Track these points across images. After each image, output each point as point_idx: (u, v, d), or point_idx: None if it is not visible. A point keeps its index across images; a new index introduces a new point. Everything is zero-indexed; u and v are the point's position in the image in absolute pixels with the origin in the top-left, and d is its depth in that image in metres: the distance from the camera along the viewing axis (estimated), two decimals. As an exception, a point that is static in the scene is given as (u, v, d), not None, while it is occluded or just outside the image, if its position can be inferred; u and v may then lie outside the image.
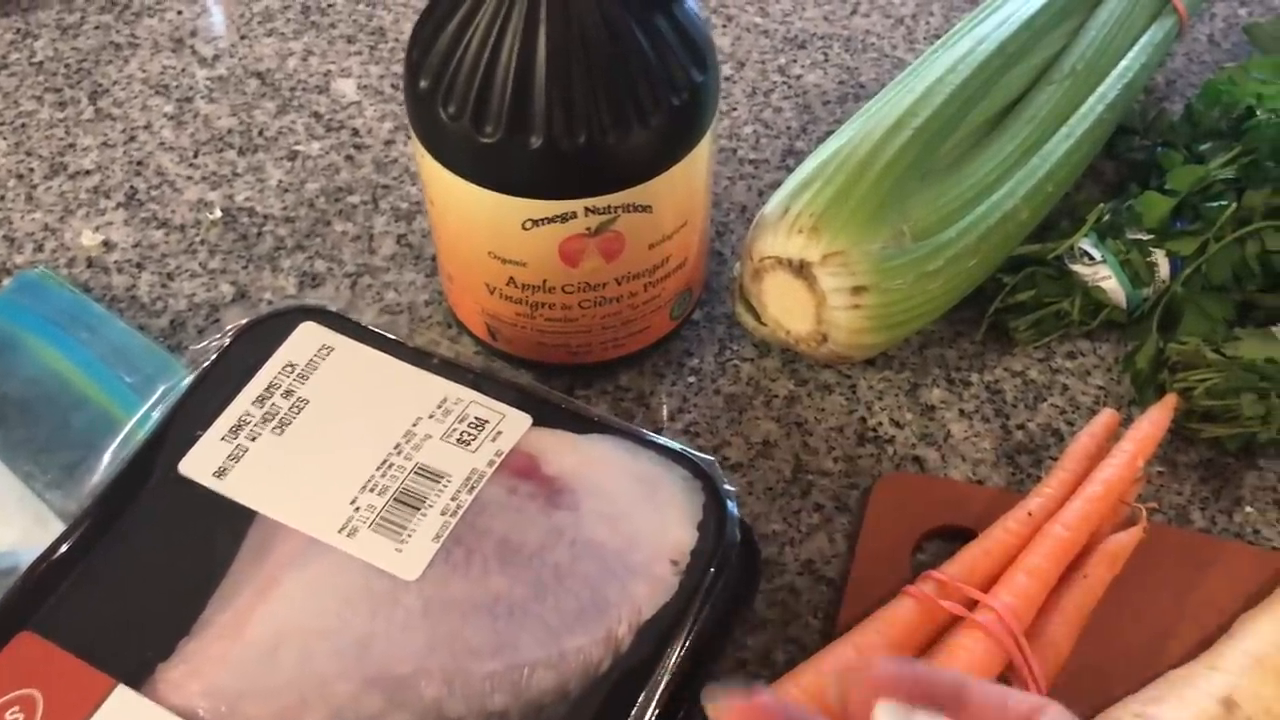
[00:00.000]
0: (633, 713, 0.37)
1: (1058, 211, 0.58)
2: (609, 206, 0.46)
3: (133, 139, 0.65)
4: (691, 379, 0.56)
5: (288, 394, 0.44)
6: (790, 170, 0.57)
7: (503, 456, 0.42)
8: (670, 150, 0.47)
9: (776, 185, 0.57)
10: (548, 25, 0.43)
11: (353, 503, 0.41)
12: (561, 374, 0.55)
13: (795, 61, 0.69)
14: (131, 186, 0.63)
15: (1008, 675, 0.42)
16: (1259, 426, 0.51)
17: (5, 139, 0.64)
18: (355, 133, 0.65)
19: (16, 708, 0.37)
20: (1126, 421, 0.51)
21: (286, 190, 0.62)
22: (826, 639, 0.46)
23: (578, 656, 0.38)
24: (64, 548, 0.41)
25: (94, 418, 0.49)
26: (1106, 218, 0.56)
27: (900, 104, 0.53)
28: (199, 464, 0.43)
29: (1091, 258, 0.55)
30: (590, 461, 0.42)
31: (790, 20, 0.71)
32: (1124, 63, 0.59)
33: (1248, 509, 0.52)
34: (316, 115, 0.66)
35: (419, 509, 0.41)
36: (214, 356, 0.45)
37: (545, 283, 0.49)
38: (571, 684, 0.38)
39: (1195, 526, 0.51)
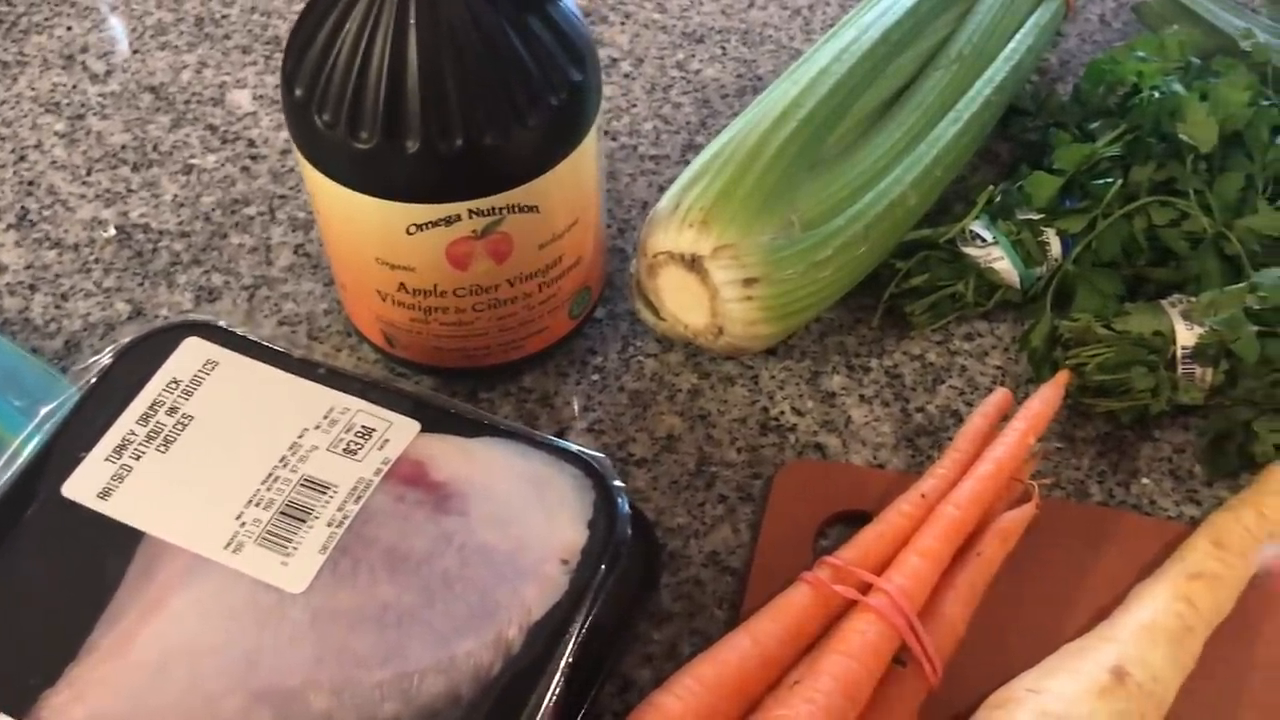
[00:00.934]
0: (525, 712, 0.37)
1: (952, 195, 0.58)
2: (493, 208, 0.46)
3: (23, 159, 0.64)
4: (595, 377, 0.56)
5: (172, 411, 0.44)
6: (689, 165, 0.57)
7: (390, 465, 0.42)
8: (552, 149, 0.47)
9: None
10: (417, 29, 0.42)
11: (238, 518, 0.41)
12: (463, 378, 0.55)
13: (694, 56, 0.69)
14: (23, 207, 0.62)
15: (902, 655, 0.43)
16: (1150, 399, 0.51)
17: (-109, 164, 0.63)
18: (251, 144, 0.64)
19: (-106, 743, 0.36)
20: (1023, 400, 0.52)
21: (182, 205, 0.62)
22: (731, 629, 0.46)
23: (468, 660, 0.38)
24: (-56, 577, 0.40)
25: (-18, 444, 0.49)
26: (998, 199, 0.57)
27: (786, 96, 0.53)
28: (83, 485, 0.42)
29: (983, 239, 0.56)
30: (479, 465, 0.42)
31: (688, 15, 0.71)
32: (1010, 46, 0.60)
33: (1144, 480, 0.52)
34: (212, 128, 0.65)
35: (305, 521, 0.40)
36: (97, 376, 0.45)
37: (436, 287, 0.49)
38: (463, 688, 0.38)
39: (1094, 500, 0.52)
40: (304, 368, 0.45)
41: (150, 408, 0.44)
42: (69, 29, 0.70)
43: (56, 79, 0.67)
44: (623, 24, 0.70)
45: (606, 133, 0.65)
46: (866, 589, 0.44)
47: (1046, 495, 0.50)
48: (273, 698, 0.37)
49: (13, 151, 0.64)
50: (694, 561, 0.50)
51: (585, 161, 0.49)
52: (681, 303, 0.52)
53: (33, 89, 0.67)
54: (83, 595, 0.40)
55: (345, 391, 0.44)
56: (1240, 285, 0.51)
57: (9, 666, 0.38)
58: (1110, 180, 0.55)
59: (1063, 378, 0.51)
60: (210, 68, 0.68)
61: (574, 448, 0.43)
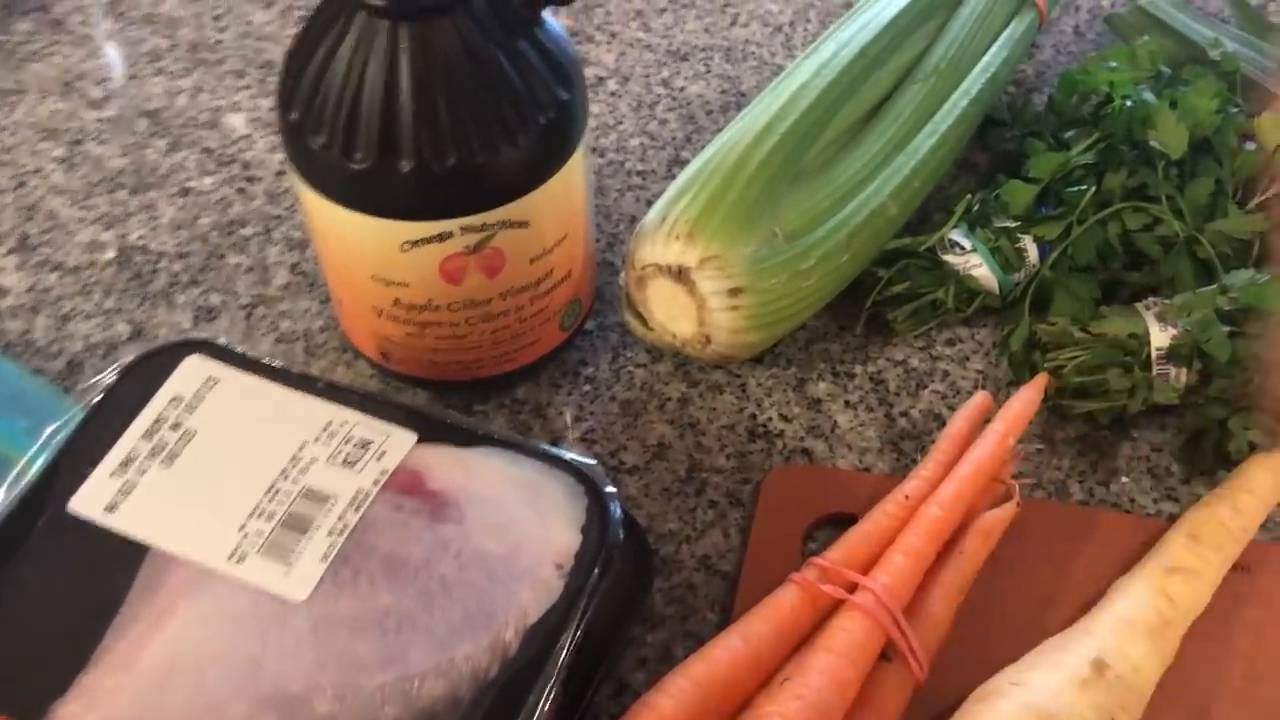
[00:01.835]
0: (522, 714, 0.39)
1: (932, 204, 0.60)
2: (485, 224, 0.47)
3: (22, 185, 0.65)
4: (587, 387, 0.57)
5: (175, 427, 0.45)
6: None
7: (388, 475, 0.43)
8: (541, 167, 0.48)
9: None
10: (409, 53, 0.44)
11: (241, 529, 0.42)
12: (458, 391, 0.56)
13: (678, 74, 0.70)
14: (23, 232, 0.63)
15: (889, 652, 0.44)
16: (1127, 399, 0.53)
17: (-107, 191, 0.65)
18: (246, 166, 0.66)
19: (-90, 753, 0.37)
20: (1005, 402, 0.53)
21: (180, 227, 0.63)
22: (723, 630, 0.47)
23: (466, 664, 0.39)
24: (-45, 592, 0.41)
25: (-11, 463, 0.50)
26: (975, 208, 0.58)
27: (768, 111, 0.54)
28: (89, 501, 0.43)
29: (962, 247, 0.57)
30: (474, 474, 0.43)
31: (672, 34, 0.72)
32: (986, 59, 0.61)
33: (1123, 479, 0.54)
34: (208, 151, 0.66)
35: (306, 531, 0.42)
36: (101, 394, 0.46)
37: (430, 302, 0.50)
38: (462, 691, 0.39)
39: (1074, 499, 0.53)
40: (303, 383, 0.46)
41: (154, 424, 0.45)
42: (66, 57, 0.71)
43: (54, 105, 0.69)
44: (609, 43, 0.72)
45: (594, 149, 0.66)
46: (853, 588, 0.45)
47: (1028, 495, 0.51)
48: (277, 703, 0.38)
49: (13, 178, 0.65)
50: (686, 566, 0.51)
51: (573, 177, 0.50)
52: (669, 313, 0.53)
53: (31, 116, 0.68)
54: (91, 607, 0.41)
55: (343, 405, 0.45)
56: (1211, 287, 0.53)
57: (21, 677, 0.39)
58: (1084, 187, 0.57)
59: (1041, 380, 0.52)
60: (205, 92, 0.69)
61: (566, 455, 0.44)
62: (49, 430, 0.46)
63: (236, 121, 0.68)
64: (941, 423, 0.55)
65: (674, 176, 0.65)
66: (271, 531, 0.42)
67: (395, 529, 0.42)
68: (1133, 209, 0.56)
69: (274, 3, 0.74)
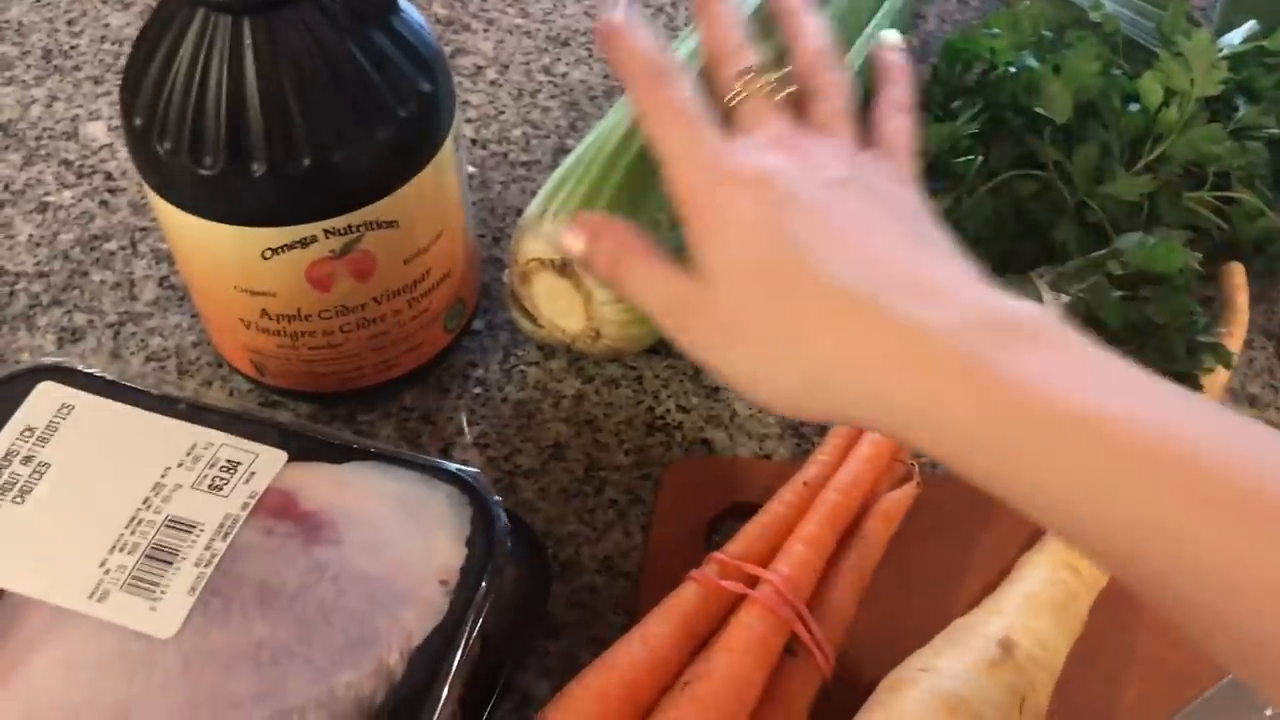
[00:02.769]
0: (411, 740, 0.37)
1: (822, 182, 0.59)
2: (350, 226, 0.45)
3: None
4: (478, 390, 0.55)
5: (27, 460, 0.42)
6: (558, 169, 0.57)
7: (257, 498, 0.41)
8: (406, 162, 0.46)
9: (547, 185, 0.57)
10: (254, 49, 0.41)
11: (102, 565, 0.39)
12: (342, 401, 0.54)
13: (559, 60, 0.68)
14: None
15: (793, 645, 0.43)
16: (1024, 370, 0.52)
17: None
18: (109, 176, 0.62)
19: None
20: (901, 380, 0.52)
21: (38, 244, 0.60)
22: (628, 634, 0.46)
23: (349, 692, 0.37)
24: None
25: None
26: (865, 184, 0.57)
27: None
28: (-65, 546, 0.40)
29: (854, 224, 0.56)
30: (350, 491, 0.41)
31: (551, 19, 0.70)
32: (867, 31, 0.60)
33: (1025, 450, 0.53)
34: (66, 163, 0.63)
35: (172, 563, 0.39)
36: (-55, 430, 0.43)
37: (300, 311, 0.48)
38: (346, 720, 0.37)
39: (977, 474, 0.52)
40: (164, 404, 0.43)
41: (3, 458, 0.42)
42: (-92, 69, 0.67)
43: (-103, 122, 0.65)
44: (485, 30, 0.70)
45: (475, 141, 0.64)
46: (754, 582, 0.44)
47: (930, 472, 0.50)
48: (147, 749, 0.36)
49: None
50: (587, 569, 0.49)
51: (444, 172, 0.48)
52: (557, 308, 0.52)
53: (-128, 134, 0.64)
54: (-60, 660, 0.38)
55: (208, 426, 0.43)
56: (1101, 252, 0.52)
57: None
58: (971, 158, 0.56)
59: (938, 356, 0.51)
60: (61, 101, 0.66)
61: (449, 465, 0.42)
62: (-111, 472, 0.42)
63: (96, 130, 0.64)
64: (841, 404, 0.54)
65: (559, 166, 0.63)
66: (135, 565, 0.39)
67: (267, 555, 0.39)
68: (1021, 177, 0.55)
69: (132, 4, 0.71)
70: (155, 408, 0.43)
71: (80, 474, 0.42)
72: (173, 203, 0.45)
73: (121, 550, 0.40)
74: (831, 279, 0.37)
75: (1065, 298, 0.51)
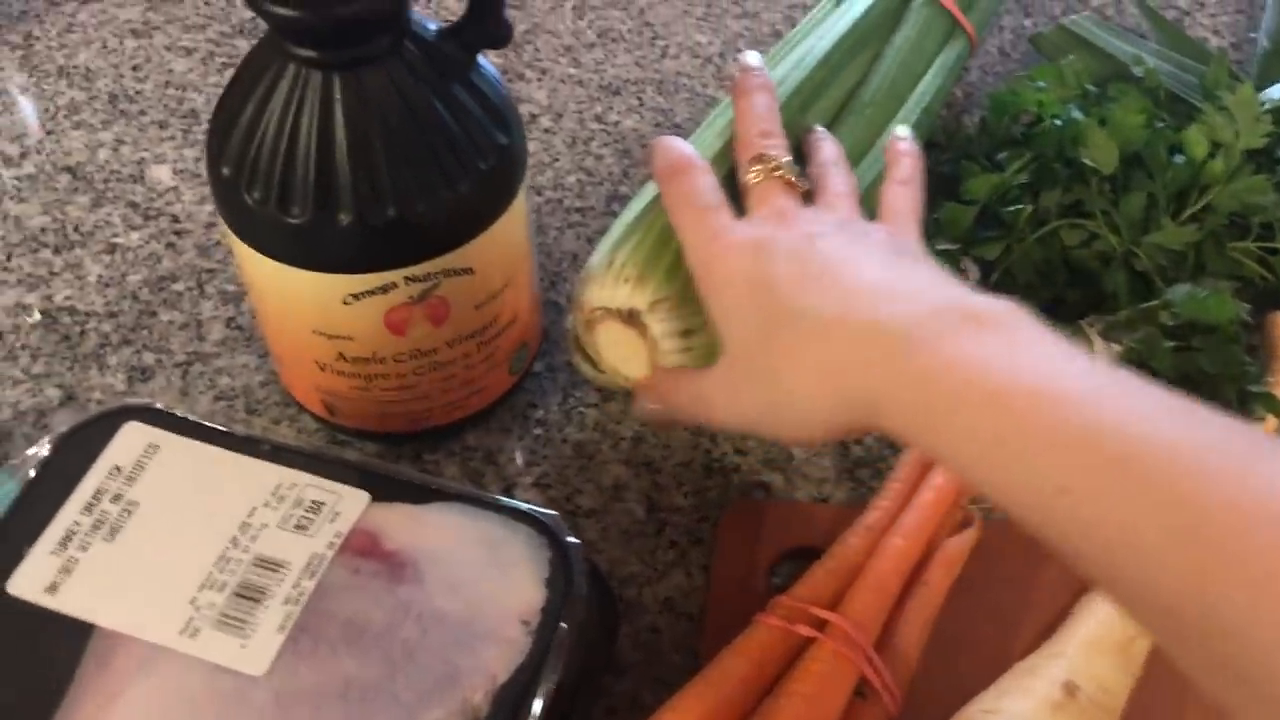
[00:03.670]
0: (496, 778, 0.37)
1: (874, 230, 0.60)
2: (428, 274, 0.46)
3: (-61, 248, 0.63)
4: (539, 431, 0.56)
5: (116, 498, 0.43)
6: (615, 215, 0.58)
7: (342, 538, 0.42)
8: (483, 213, 0.47)
9: (604, 231, 0.58)
10: (344, 104, 0.43)
11: (192, 602, 0.40)
12: (407, 441, 0.55)
13: (611, 109, 0.70)
14: (-58, 298, 0.60)
15: (863, 688, 0.44)
16: (1076, 416, 0.53)
17: None
18: (175, 219, 0.64)
19: None
20: (955, 425, 0.53)
21: (108, 285, 0.61)
22: (692, 675, 0.46)
23: (435, 729, 0.38)
24: (-112, 688, 0.39)
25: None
26: (917, 232, 0.58)
27: (709, 147, 0.54)
28: (29, 581, 0.41)
29: (907, 272, 0.57)
30: (431, 532, 0.42)
31: (603, 69, 0.72)
32: (921, 87, 0.61)
33: (1076, 495, 0.54)
34: (133, 205, 0.65)
35: (261, 601, 0.40)
36: (36, 468, 0.44)
37: (376, 354, 0.49)
38: (432, 758, 0.38)
39: (1030, 518, 0.53)
40: (248, 445, 0.45)
41: (93, 497, 0.43)
42: (-22, 113, 0.69)
43: (-32, 165, 0.66)
44: (539, 80, 0.71)
45: (531, 187, 0.66)
46: (822, 625, 0.44)
47: (986, 518, 0.51)
48: (240, 784, 0.37)
49: (-72, 241, 0.63)
50: (650, 609, 0.50)
51: (516, 221, 0.49)
52: (620, 355, 0.53)
53: (-55, 176, 0.66)
54: (36, 693, 0.39)
55: (292, 466, 0.44)
56: (1153, 303, 0.53)
57: (-37, 774, 0.37)
58: (1021, 206, 0.57)
59: (993, 402, 0.53)
60: (128, 144, 0.68)
61: (525, 506, 0.43)
62: (-19, 509, 0.44)
63: (162, 173, 0.66)
64: (895, 450, 0.55)
65: (613, 212, 0.65)
66: (224, 603, 0.40)
67: (353, 594, 0.41)
68: (1069, 225, 0.57)
69: (194, 51, 0.73)
70: (239, 448, 0.45)
71: (168, 512, 0.43)
72: (257, 249, 0.46)
73: (211, 588, 0.41)
74: (806, 309, 0.41)
75: (1117, 346, 0.53)
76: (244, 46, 0.73)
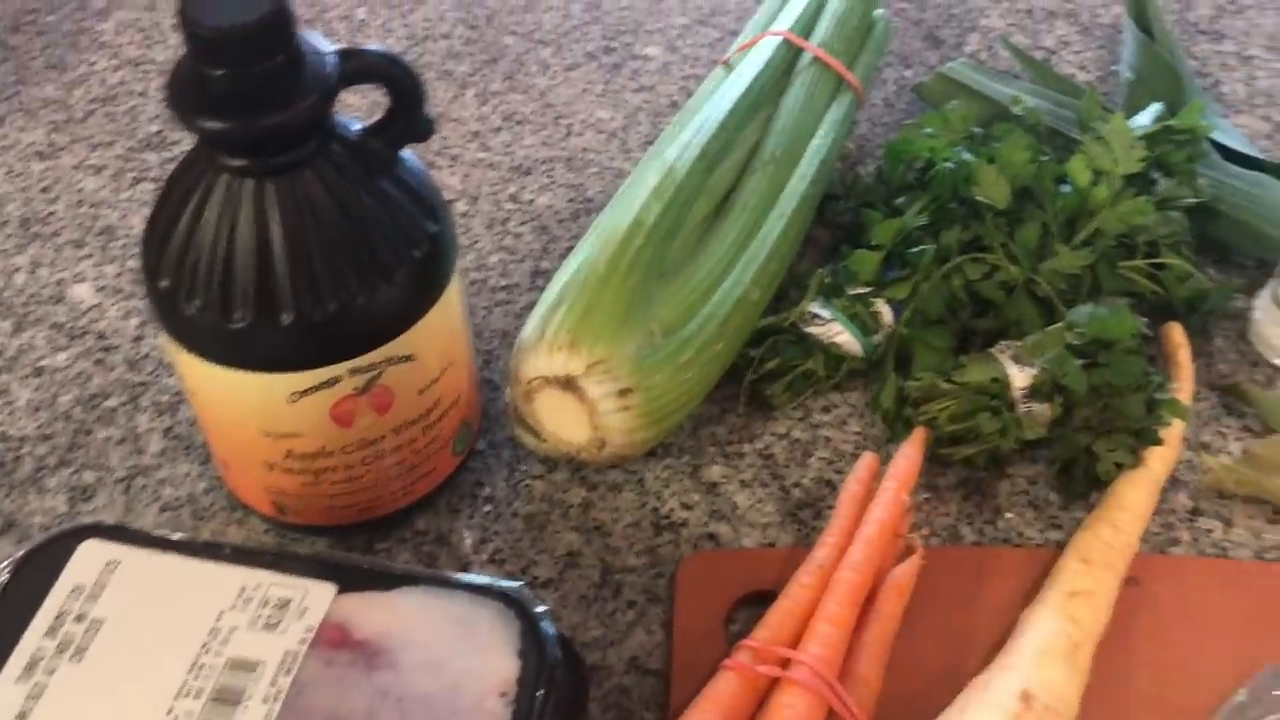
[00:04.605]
0: None
1: (786, 283, 0.63)
2: (372, 364, 0.48)
3: None
4: (488, 508, 0.57)
5: (80, 618, 0.43)
6: (540, 290, 0.60)
7: (314, 631, 0.42)
8: (420, 300, 0.49)
9: (531, 306, 0.60)
10: (278, 208, 0.44)
11: (169, 713, 0.40)
12: (358, 532, 0.55)
13: (525, 188, 0.72)
14: None
15: (831, 720, 0.45)
16: (999, 440, 0.56)
17: None
18: (101, 336, 0.64)
19: None
20: (887, 458, 0.56)
21: (38, 408, 0.61)
22: (664, 729, 0.48)
23: (427, 809, 0.39)
24: None
25: None
26: (828, 280, 0.61)
27: (628, 214, 0.56)
28: (-3, 712, 0.41)
29: (822, 318, 0.60)
30: (401, 616, 0.43)
31: (512, 150, 0.74)
32: (815, 141, 0.65)
33: (1007, 515, 0.57)
34: (57, 326, 0.65)
35: (239, 703, 0.40)
36: (-7, 597, 0.44)
37: (324, 448, 0.50)
38: (426, 838, 0.38)
39: (967, 541, 0.56)
40: (207, 550, 0.45)
41: (56, 619, 0.43)
42: (-113, 248, 0.69)
43: (-118, 301, 0.66)
44: (451, 166, 0.73)
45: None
46: (786, 664, 0.46)
47: (925, 544, 0.53)
48: None
49: None
50: (616, 670, 0.51)
51: (451, 304, 0.51)
52: (561, 422, 0.54)
53: None
54: (15, 825, 0.39)
55: (254, 566, 0.44)
56: (1059, 325, 0.56)
57: None
58: (924, 247, 0.60)
59: (920, 434, 0.55)
60: (44, 266, 0.68)
61: (491, 581, 0.44)
62: (-61, 644, 0.43)
63: (83, 292, 0.66)
64: (832, 488, 0.58)
65: (538, 287, 0.66)
66: (202, 710, 0.40)
67: (331, 686, 0.41)
68: (971, 260, 0.60)
69: (104, 168, 0.73)
70: (199, 554, 0.45)
71: (135, 626, 0.43)
72: (200, 355, 0.47)
73: (187, 696, 0.41)
74: None
75: (1030, 369, 0.56)
76: (154, 160, 0.74)
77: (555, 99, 0.77)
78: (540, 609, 0.43)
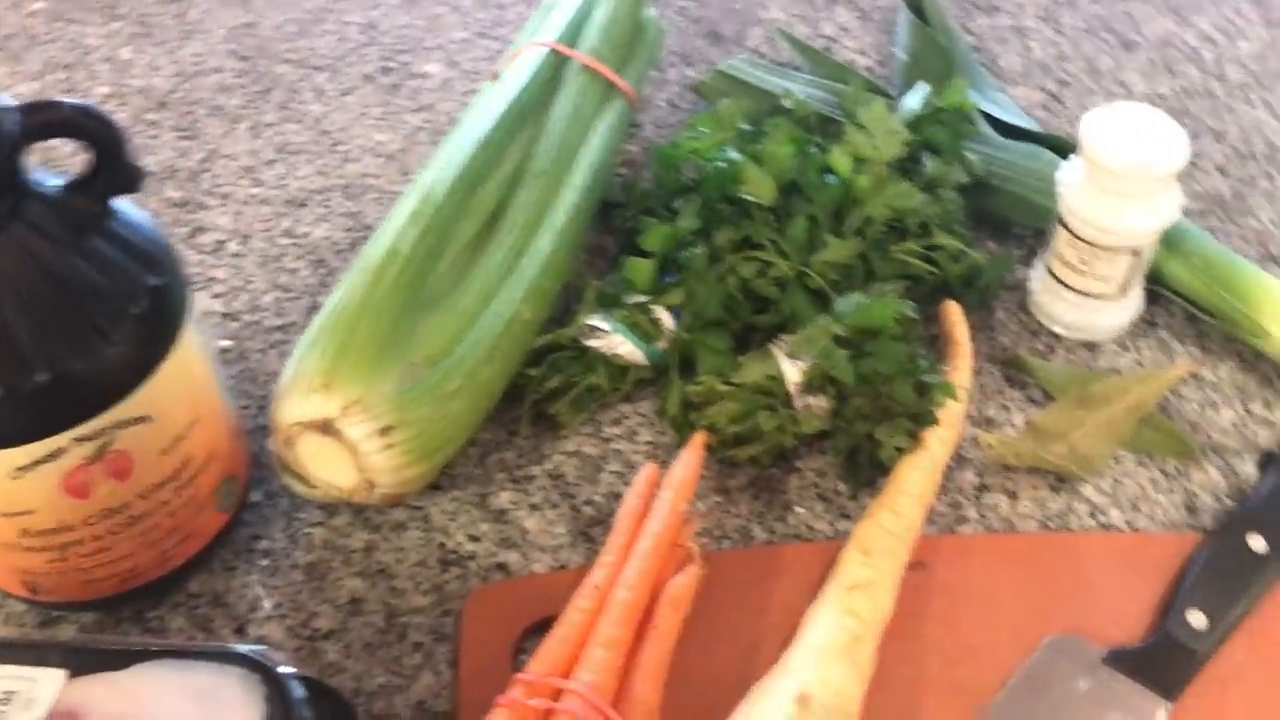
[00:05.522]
0: None
1: (571, 296, 0.61)
2: (99, 430, 0.45)
3: None
4: (265, 561, 0.55)
5: None
6: (315, 328, 0.58)
7: (41, 722, 0.40)
8: (147, 357, 0.46)
9: (305, 346, 0.58)
10: (-33, 278, 0.42)
11: (-120, 832, 0.38)
12: (126, 602, 0.53)
13: (300, 221, 0.70)
14: None
15: (607, 748, 0.44)
16: (779, 436, 0.56)
17: None
18: None
19: None
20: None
21: None
22: (453, 773, 0.46)
23: None
24: None
25: None
26: (607, 291, 0.60)
27: (380, 246, 0.55)
28: None
29: (603, 330, 0.59)
30: (137, 696, 0.41)
31: (286, 183, 0.72)
32: (587, 151, 0.63)
33: (798, 510, 0.57)
34: None
35: (-43, 812, 0.38)
36: None
37: (62, 523, 0.47)
38: None
39: (759, 540, 0.55)
40: (-72, 648, 0.42)
41: None
42: None
43: None
44: (222, 205, 0.70)
45: (227, 314, 0.65)
46: (559, 694, 0.45)
47: (715, 548, 0.53)
48: None
49: None
50: (401, 718, 0.50)
51: (189, 357, 0.48)
52: (326, 466, 0.52)
53: None
54: None
55: (-22, 661, 0.42)
56: (825, 317, 0.56)
57: None
58: (695, 250, 0.60)
59: (699, 439, 0.55)
60: None
61: (234, 648, 0.42)
62: None
63: None
64: (623, 502, 0.57)
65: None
66: (-84, 825, 0.38)
67: (60, 779, 0.39)
68: (743, 259, 0.60)
69: None
70: (-82, 654, 0.42)
71: None
72: (-94, 441, 0.44)
73: (-100, 811, 0.38)
74: None
75: (801, 363, 0.56)
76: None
77: (330, 125, 0.75)
78: (285, 669, 0.41)
